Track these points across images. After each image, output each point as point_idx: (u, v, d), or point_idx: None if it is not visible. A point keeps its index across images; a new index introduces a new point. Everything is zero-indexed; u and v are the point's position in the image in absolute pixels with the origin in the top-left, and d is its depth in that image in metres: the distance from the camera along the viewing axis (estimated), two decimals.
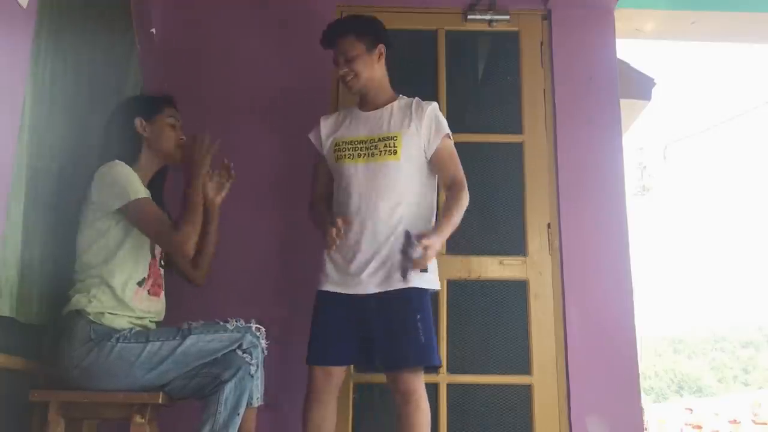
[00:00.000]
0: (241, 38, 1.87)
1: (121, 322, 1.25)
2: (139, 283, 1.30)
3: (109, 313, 1.25)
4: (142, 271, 1.32)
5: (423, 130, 1.43)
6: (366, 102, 1.50)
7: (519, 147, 1.85)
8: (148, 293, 1.33)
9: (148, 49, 1.75)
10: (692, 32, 2.27)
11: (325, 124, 1.52)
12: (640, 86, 2.56)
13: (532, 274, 1.76)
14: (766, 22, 2.18)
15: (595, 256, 1.76)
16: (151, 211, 1.28)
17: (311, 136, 1.54)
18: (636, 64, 2.55)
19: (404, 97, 1.51)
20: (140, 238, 1.31)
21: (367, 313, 1.37)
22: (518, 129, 1.86)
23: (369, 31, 1.48)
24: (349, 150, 1.45)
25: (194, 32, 1.89)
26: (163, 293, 1.37)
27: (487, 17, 1.90)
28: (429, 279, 1.40)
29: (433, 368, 1.43)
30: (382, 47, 1.48)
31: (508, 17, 1.91)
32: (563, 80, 1.87)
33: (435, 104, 1.48)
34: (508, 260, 1.77)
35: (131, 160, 1.33)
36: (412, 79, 1.95)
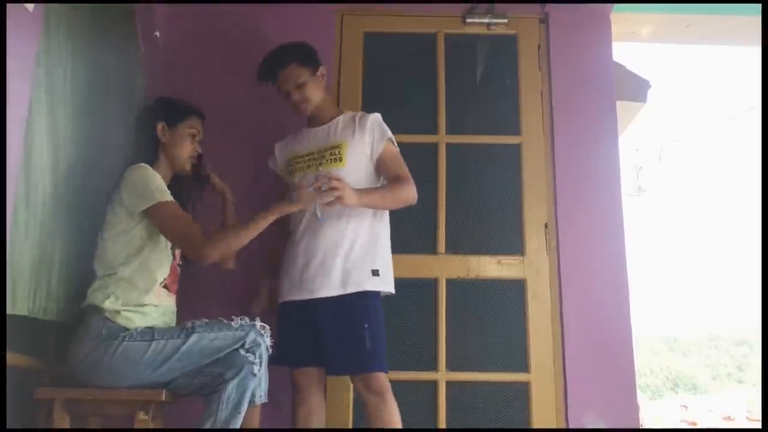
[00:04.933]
0: (244, 43, 1.89)
1: (135, 322, 1.27)
2: (160, 283, 1.33)
3: (125, 311, 1.26)
4: (165, 271, 1.34)
5: (366, 137, 1.49)
6: (314, 120, 1.56)
7: (517, 148, 1.88)
8: (167, 290, 1.35)
9: (152, 52, 1.76)
10: (687, 35, 2.30)
11: (279, 148, 1.60)
12: (636, 88, 2.59)
13: (529, 274, 1.78)
14: (757, 26, 2.21)
15: (592, 255, 1.78)
16: (176, 214, 1.30)
17: (270, 164, 1.61)
18: (632, 66, 2.58)
19: (349, 111, 1.57)
20: (163, 240, 1.33)
21: (321, 316, 1.42)
22: (516, 130, 1.89)
23: (309, 56, 1.53)
24: (300, 164, 1.52)
25: (197, 36, 1.90)
26: (175, 290, 1.40)
27: (486, 21, 1.92)
28: (379, 281, 1.44)
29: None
30: (323, 69, 1.55)
31: (506, 21, 1.93)
32: (560, 83, 1.89)
33: (377, 114, 1.53)
34: (506, 260, 1.79)
35: (149, 163, 1.35)
36: (412, 81, 1.97)
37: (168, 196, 1.29)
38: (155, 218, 1.29)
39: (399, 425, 1.38)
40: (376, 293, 1.46)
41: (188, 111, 1.43)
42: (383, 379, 1.40)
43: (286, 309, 1.48)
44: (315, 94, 1.52)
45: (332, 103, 1.61)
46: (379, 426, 1.37)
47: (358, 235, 1.46)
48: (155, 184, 1.29)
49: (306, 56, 1.53)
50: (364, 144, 1.49)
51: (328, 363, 1.45)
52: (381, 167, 1.50)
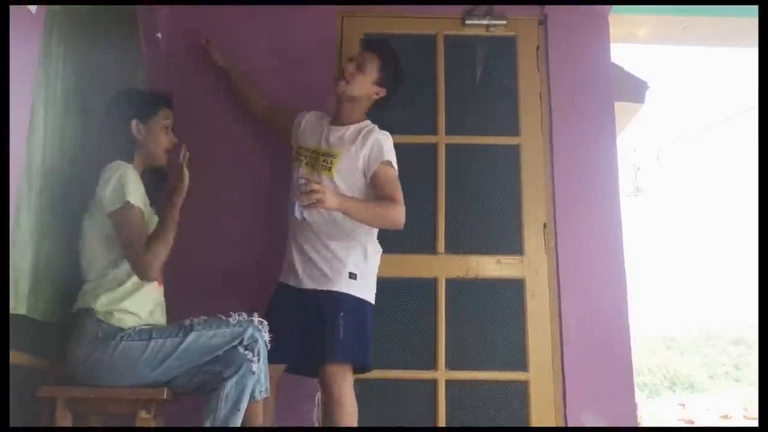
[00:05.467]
0: (245, 43, 1.90)
1: (129, 321, 1.27)
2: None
3: (118, 311, 1.27)
4: None
5: (363, 152, 1.50)
6: (336, 114, 1.60)
7: (516, 149, 1.89)
8: (156, 282, 1.35)
9: (154, 53, 1.77)
10: (685, 37, 2.32)
11: (305, 118, 1.63)
12: (634, 89, 2.60)
13: (528, 273, 1.80)
14: (754, 28, 2.23)
15: (590, 255, 1.79)
16: (133, 223, 1.27)
17: (298, 115, 1.64)
18: (630, 68, 2.60)
19: (369, 123, 1.57)
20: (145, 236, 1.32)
21: (305, 308, 1.45)
22: (515, 131, 1.90)
23: (390, 71, 1.58)
24: (299, 155, 1.57)
25: (199, 37, 1.89)
26: (162, 282, 1.39)
27: (485, 22, 1.94)
28: (354, 284, 1.45)
29: (362, 368, 1.45)
30: (383, 91, 1.59)
31: (505, 22, 1.94)
32: (559, 84, 1.90)
33: (386, 134, 1.54)
34: (505, 259, 1.81)
35: (127, 160, 1.35)
36: (412, 82, 1.98)
37: (137, 202, 1.28)
38: (116, 219, 1.27)
39: (345, 424, 1.37)
40: (354, 297, 1.45)
41: (159, 102, 1.42)
42: (338, 372, 1.39)
43: (280, 292, 1.51)
44: (358, 86, 1.55)
45: (360, 112, 1.60)
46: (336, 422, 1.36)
47: (341, 241, 1.47)
48: (130, 185, 1.28)
49: (389, 69, 1.57)
50: (358, 158, 1.51)
51: (306, 353, 1.44)
52: (373, 186, 1.50)
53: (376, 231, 1.53)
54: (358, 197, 1.49)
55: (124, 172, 1.29)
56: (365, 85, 1.56)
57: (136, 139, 1.37)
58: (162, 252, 1.26)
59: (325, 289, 1.44)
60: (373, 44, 1.62)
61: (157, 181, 1.42)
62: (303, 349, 1.44)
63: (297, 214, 1.40)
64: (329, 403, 1.39)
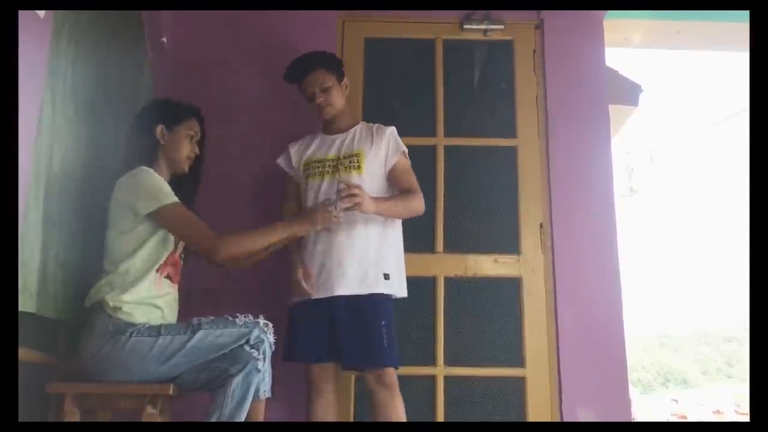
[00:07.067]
0: (247, 47, 1.92)
1: (137, 317, 1.30)
2: (158, 270, 1.35)
3: (128, 303, 1.29)
4: (162, 259, 1.36)
5: (382, 148, 1.57)
6: (332, 127, 1.63)
7: (513, 151, 1.92)
8: (169, 280, 1.37)
9: (159, 56, 1.79)
10: (678, 41, 2.36)
11: (294, 149, 1.65)
12: (628, 92, 2.64)
13: (525, 272, 1.83)
14: (746, 32, 2.28)
15: (586, 254, 1.83)
16: (185, 214, 1.33)
17: (281, 161, 1.65)
18: (624, 71, 2.63)
19: (366, 122, 1.65)
20: (166, 235, 1.36)
21: (336, 314, 1.48)
22: (512, 133, 1.93)
23: (336, 64, 1.63)
24: (318, 168, 1.58)
25: (203, 41, 1.93)
26: (178, 281, 1.41)
27: (483, 27, 1.97)
28: (392, 286, 1.51)
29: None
30: (347, 80, 1.65)
31: (502, 27, 1.97)
32: (555, 87, 1.93)
33: (393, 128, 1.61)
34: (502, 258, 1.84)
35: (148, 165, 1.37)
36: (411, 85, 2.01)
37: (175, 198, 1.33)
38: (164, 219, 1.32)
39: (404, 419, 1.44)
40: (388, 296, 1.51)
41: (186, 112, 1.45)
42: (394, 375, 1.46)
43: (300, 308, 1.52)
44: (338, 100, 1.60)
45: (350, 113, 1.68)
46: (387, 419, 1.42)
47: (369, 239, 1.52)
48: (163, 186, 1.32)
49: (333, 64, 1.62)
50: (380, 154, 1.57)
51: (344, 356, 1.49)
52: (393, 178, 1.57)
53: (400, 225, 1.58)
54: (383, 192, 1.54)
55: (153, 176, 1.34)
56: (339, 94, 1.60)
57: (160, 144, 1.40)
58: (242, 243, 1.33)
59: (365, 293, 1.47)
60: (307, 63, 1.60)
61: (174, 187, 1.43)
62: (346, 347, 1.48)
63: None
64: (389, 405, 1.43)
